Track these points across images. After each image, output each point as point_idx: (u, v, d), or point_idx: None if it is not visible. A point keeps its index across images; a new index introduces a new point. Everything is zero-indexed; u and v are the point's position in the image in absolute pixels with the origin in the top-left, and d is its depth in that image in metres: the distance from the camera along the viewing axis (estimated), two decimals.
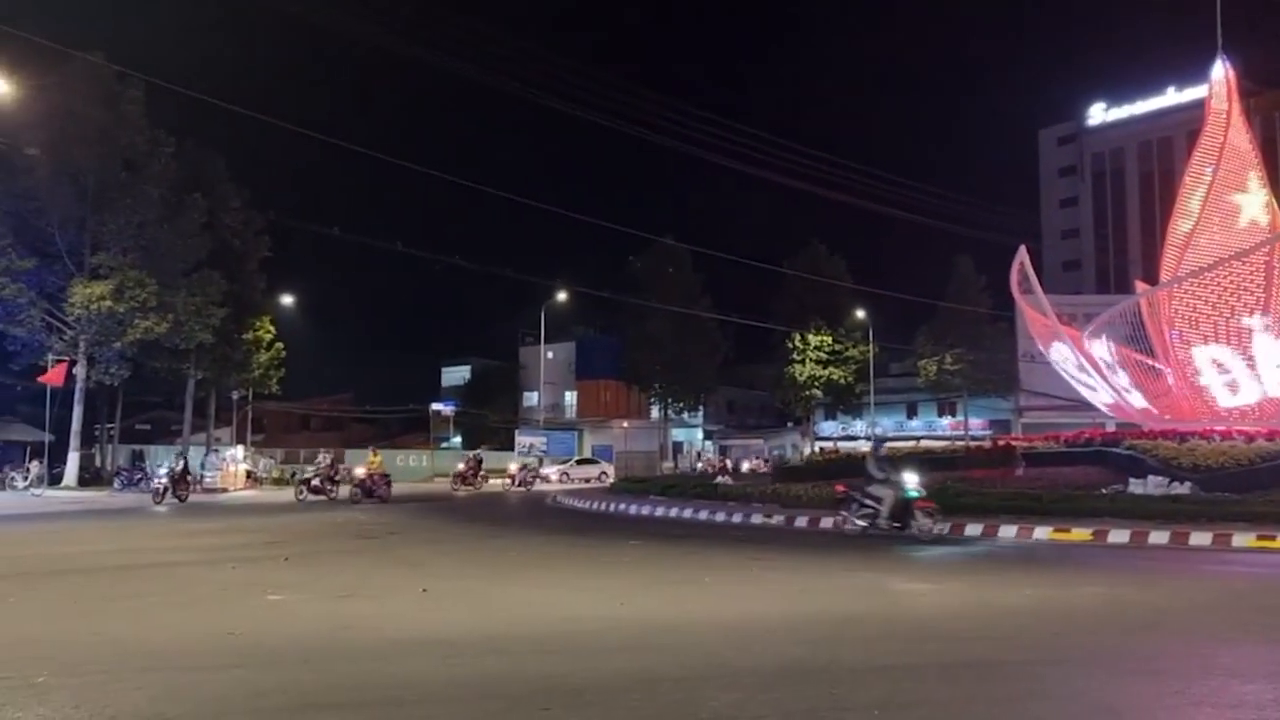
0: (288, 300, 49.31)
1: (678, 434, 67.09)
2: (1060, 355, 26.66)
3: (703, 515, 22.46)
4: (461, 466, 39.28)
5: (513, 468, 42.63)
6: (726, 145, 69.34)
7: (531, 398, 66.89)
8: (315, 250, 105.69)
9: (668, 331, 55.70)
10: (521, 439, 57.65)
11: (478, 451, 43.74)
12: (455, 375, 72.66)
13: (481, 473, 38.81)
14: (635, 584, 11.21)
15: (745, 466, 50.83)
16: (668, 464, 58.62)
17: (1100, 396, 26.63)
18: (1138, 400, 25.55)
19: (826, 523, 19.73)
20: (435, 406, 64.52)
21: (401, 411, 67.06)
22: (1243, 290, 23.91)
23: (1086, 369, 25.79)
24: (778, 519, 20.75)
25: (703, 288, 57.87)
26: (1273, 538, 14.73)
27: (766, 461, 52.49)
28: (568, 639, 7.86)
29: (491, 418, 63.94)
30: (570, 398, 68.47)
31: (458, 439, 64.75)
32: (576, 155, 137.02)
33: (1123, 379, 25.52)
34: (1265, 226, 24.91)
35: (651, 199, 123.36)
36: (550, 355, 62.27)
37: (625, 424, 65.22)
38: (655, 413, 63.16)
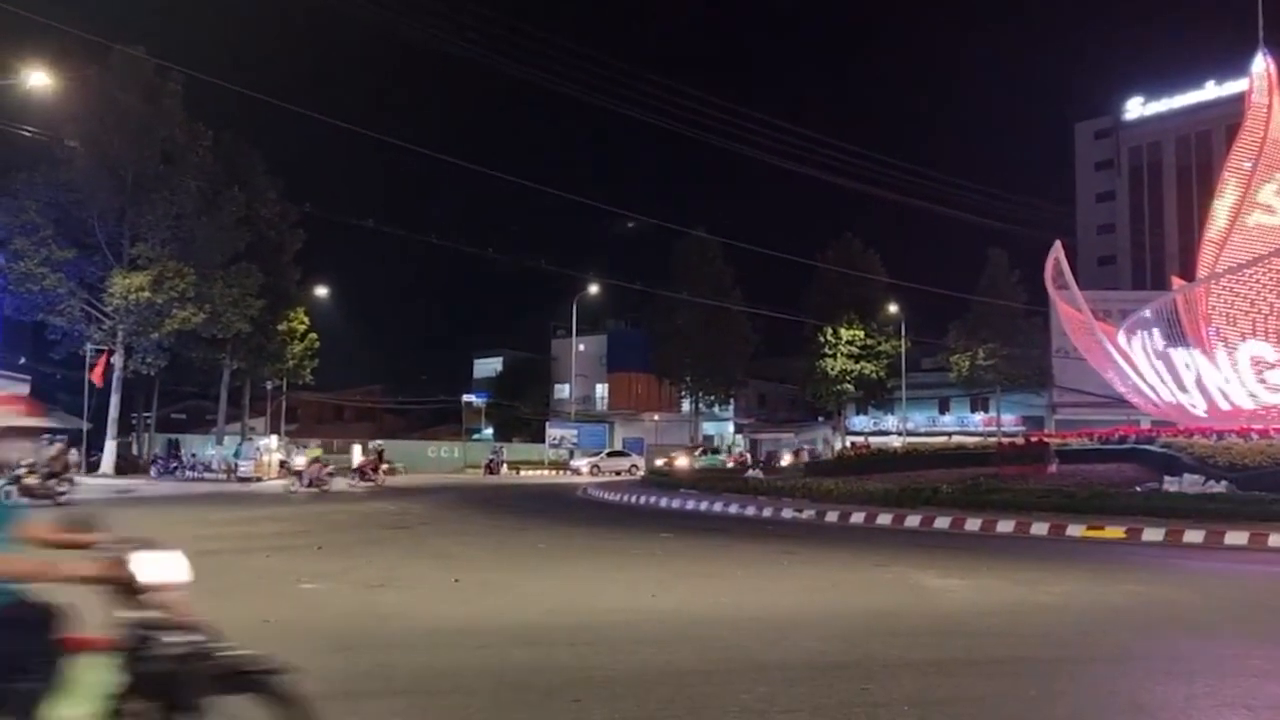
0: (322, 292, 49.90)
1: (708, 427, 67.05)
2: (1106, 352, 26.04)
3: (733, 509, 22.49)
4: (304, 461, 31.56)
5: (300, 461, 31.94)
6: (760, 139, 68.97)
7: (563, 390, 67.11)
8: (349, 242, 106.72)
9: (699, 324, 55.66)
10: (553, 431, 57.95)
11: (378, 443, 37.14)
12: (487, 367, 73.06)
13: (385, 466, 33.92)
14: (666, 576, 11.26)
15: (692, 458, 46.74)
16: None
17: (1158, 392, 25.72)
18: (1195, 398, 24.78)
19: (857, 517, 19.72)
20: (467, 398, 64.96)
21: (433, 402, 67.55)
22: None
23: (1125, 367, 25.49)
24: (809, 514, 20.74)
25: (734, 280, 57.77)
26: None
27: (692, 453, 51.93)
28: (599, 630, 7.92)
29: (523, 410, 64.26)
30: (601, 390, 68.62)
31: (489, 430, 65.15)
32: (610, 148, 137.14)
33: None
34: None
35: (684, 192, 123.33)
36: (581, 348, 62.44)
37: (656, 417, 65.22)
38: (686, 406, 63.15)
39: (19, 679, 3.21)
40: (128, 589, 3.45)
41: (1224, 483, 19.07)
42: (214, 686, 3.47)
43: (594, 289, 57.44)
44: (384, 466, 33.75)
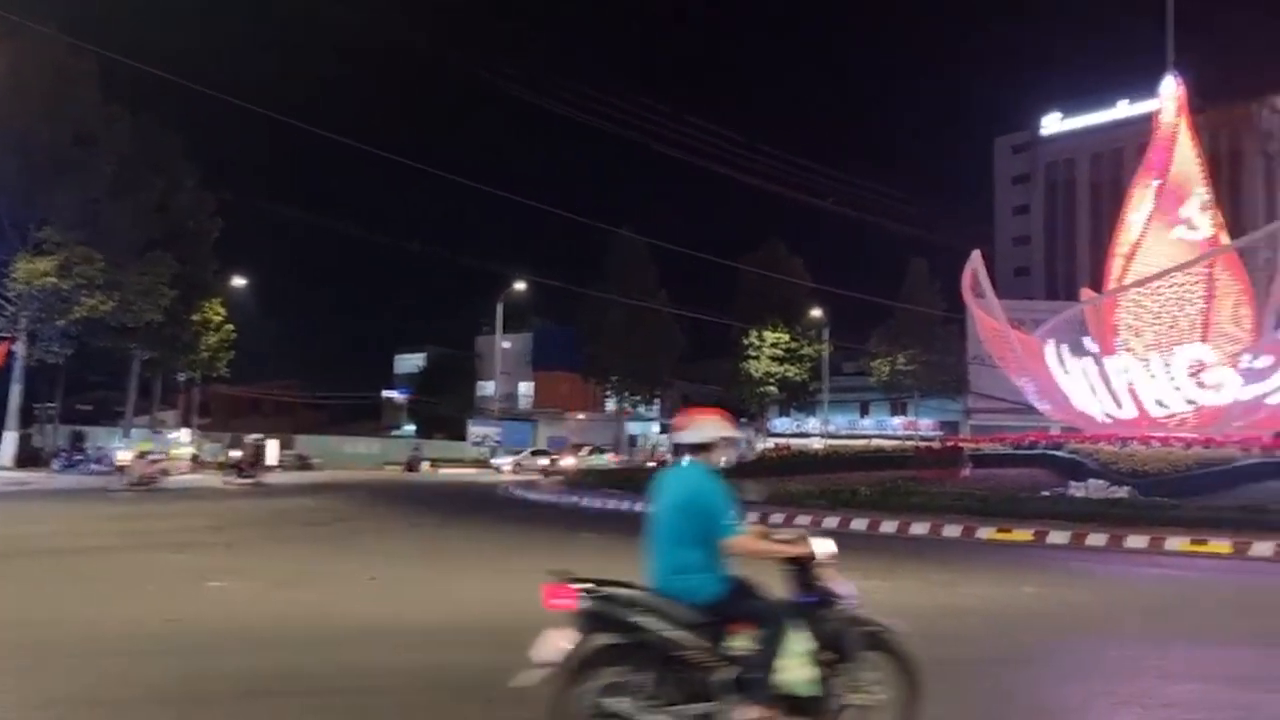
0: (239, 282, 48.60)
1: (633, 427, 67.16)
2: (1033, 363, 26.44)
3: None
4: (129, 456, 29.17)
5: (124, 455, 29.75)
6: (687, 140, 69.33)
7: (487, 387, 66.59)
8: (270, 233, 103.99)
9: (627, 324, 55.71)
10: (475, 429, 57.41)
11: (255, 436, 33.86)
12: (409, 363, 72.07)
13: (264, 462, 32.22)
14: (587, 575, 11.22)
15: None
16: (622, 456, 58.77)
17: (1070, 399, 26.20)
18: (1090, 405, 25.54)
19: (776, 518, 19.91)
20: (388, 393, 63.94)
21: (353, 397, 66.39)
22: (1185, 300, 24.37)
23: (1039, 374, 26.14)
24: None
25: (660, 281, 57.99)
26: (1205, 542, 15.13)
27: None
28: (515, 630, 7.78)
29: (445, 406, 63.55)
30: (526, 388, 68.22)
31: (411, 427, 64.30)
32: (538, 145, 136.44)
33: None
34: (1207, 239, 25.41)
35: (611, 191, 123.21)
36: (507, 345, 62.01)
37: (581, 416, 65.08)
38: (611, 405, 63.16)
39: (763, 629, 4.17)
40: (805, 564, 4.42)
41: (1126, 488, 19.71)
42: (864, 643, 4.50)
43: (520, 286, 57.12)
44: (265, 460, 32.23)
